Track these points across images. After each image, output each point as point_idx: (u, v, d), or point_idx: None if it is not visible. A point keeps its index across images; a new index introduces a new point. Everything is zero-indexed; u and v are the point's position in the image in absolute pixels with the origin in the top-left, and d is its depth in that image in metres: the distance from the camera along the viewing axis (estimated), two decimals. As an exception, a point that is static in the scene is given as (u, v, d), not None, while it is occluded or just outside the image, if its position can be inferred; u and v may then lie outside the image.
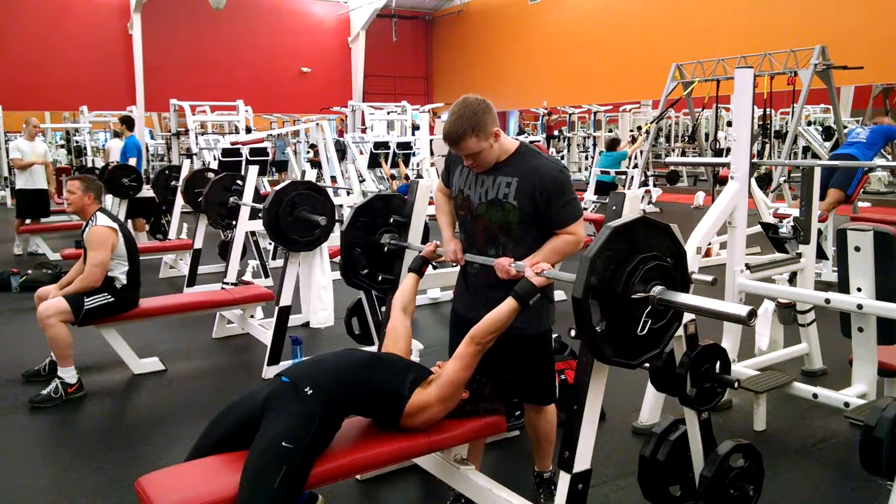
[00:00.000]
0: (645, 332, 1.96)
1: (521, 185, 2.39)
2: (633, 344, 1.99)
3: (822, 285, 5.55)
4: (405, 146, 9.78)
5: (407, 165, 9.42)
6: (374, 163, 9.68)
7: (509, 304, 2.24)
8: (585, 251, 1.89)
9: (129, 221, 8.48)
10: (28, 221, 8.46)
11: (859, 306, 3.12)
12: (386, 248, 3.04)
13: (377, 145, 9.67)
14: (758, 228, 5.34)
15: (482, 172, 2.47)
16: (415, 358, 3.53)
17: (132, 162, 8.69)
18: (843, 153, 6.85)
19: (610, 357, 1.97)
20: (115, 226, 4.14)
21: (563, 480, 2.16)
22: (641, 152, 12.03)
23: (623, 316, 1.93)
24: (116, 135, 11.95)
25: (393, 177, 9.47)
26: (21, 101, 16.78)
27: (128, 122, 9.23)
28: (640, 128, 11.94)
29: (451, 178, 2.65)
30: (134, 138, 9.08)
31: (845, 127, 10.10)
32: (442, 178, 2.76)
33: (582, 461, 2.15)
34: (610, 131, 17.15)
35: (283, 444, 2.08)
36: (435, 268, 3.08)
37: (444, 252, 2.63)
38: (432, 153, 9.24)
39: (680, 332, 2.28)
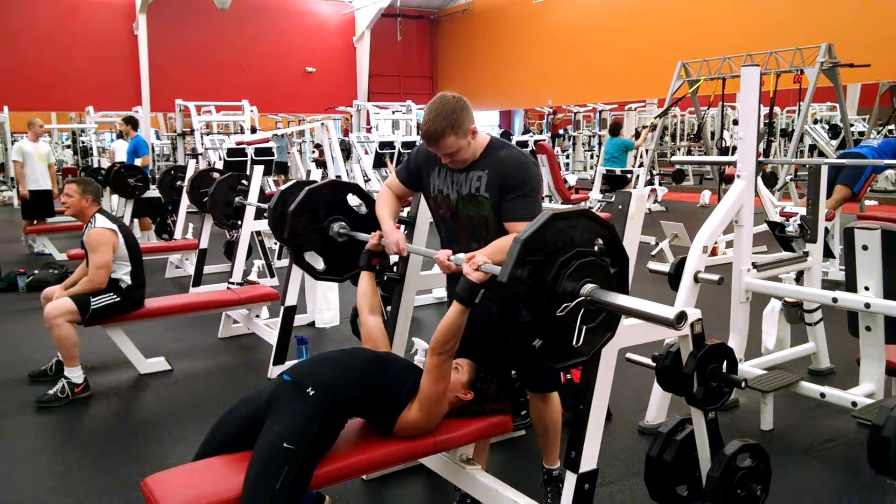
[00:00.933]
0: (576, 332, 1.83)
1: (491, 176, 2.41)
2: (563, 344, 1.85)
3: (829, 284, 5.52)
4: (410, 146, 9.78)
5: None
6: (379, 163, 9.69)
7: (454, 306, 2.15)
8: (518, 234, 1.78)
9: (135, 221, 8.53)
10: (35, 222, 8.50)
11: (867, 305, 3.11)
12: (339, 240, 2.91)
13: (382, 145, 9.68)
14: (764, 227, 5.32)
15: (457, 170, 2.48)
16: (420, 357, 3.53)
17: (138, 162, 8.70)
18: (853, 152, 6.86)
19: (558, 364, 1.87)
20: (115, 227, 4.14)
21: (570, 480, 2.15)
22: (647, 150, 12.01)
23: (551, 309, 1.80)
24: (121, 136, 11.99)
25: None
26: (27, 101, 16.84)
27: (132, 123, 9.27)
28: (646, 127, 11.90)
29: (422, 180, 2.65)
30: (140, 137, 9.11)
31: (852, 125, 10.06)
32: (398, 175, 2.74)
33: (588, 461, 2.14)
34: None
35: (285, 444, 2.08)
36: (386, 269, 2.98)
37: (387, 244, 2.60)
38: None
39: (686, 331, 2.28)
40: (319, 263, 3.02)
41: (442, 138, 2.33)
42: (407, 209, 3.15)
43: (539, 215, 1.81)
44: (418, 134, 11.72)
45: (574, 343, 1.83)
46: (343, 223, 2.92)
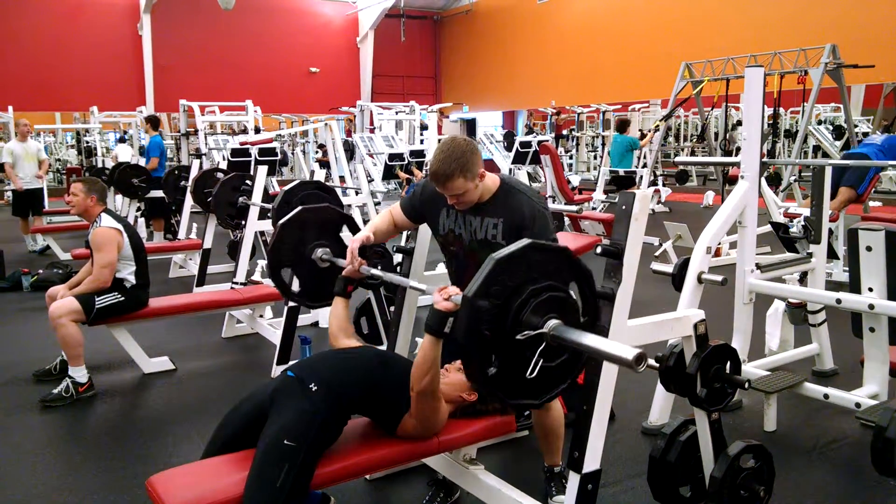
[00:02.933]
0: (535, 372, 1.78)
1: (507, 225, 2.46)
2: (518, 376, 1.80)
3: (832, 285, 5.52)
4: (418, 154, 9.82)
5: (421, 171, 9.43)
6: (388, 174, 9.72)
7: (426, 339, 2.13)
8: (465, 290, 1.74)
9: (143, 221, 8.57)
10: (32, 219, 8.56)
11: (871, 306, 3.11)
12: (323, 265, 2.89)
13: (392, 157, 9.72)
14: (768, 228, 5.31)
15: (468, 212, 2.53)
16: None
17: (153, 163, 8.69)
18: (856, 152, 6.84)
19: (508, 399, 1.84)
20: (120, 226, 4.15)
21: (573, 481, 2.15)
22: (651, 150, 12.01)
23: (511, 333, 1.75)
24: (123, 139, 11.99)
25: (409, 181, 9.48)
26: (31, 101, 16.89)
27: (153, 122, 9.24)
28: (651, 130, 11.91)
29: (427, 217, 2.71)
30: (158, 137, 9.10)
31: (856, 126, 10.04)
32: (402, 207, 2.76)
33: (592, 461, 2.14)
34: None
35: (286, 441, 2.09)
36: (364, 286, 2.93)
37: (350, 246, 2.61)
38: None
39: (690, 332, 2.28)
40: (295, 285, 3.00)
41: (450, 180, 2.37)
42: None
43: (518, 242, 1.79)
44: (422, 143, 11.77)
45: (528, 374, 1.78)
46: (327, 249, 2.90)
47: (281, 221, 2.88)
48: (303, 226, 2.90)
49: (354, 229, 3.06)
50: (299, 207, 2.94)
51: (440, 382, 2.29)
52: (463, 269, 2.64)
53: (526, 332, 1.75)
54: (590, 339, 1.72)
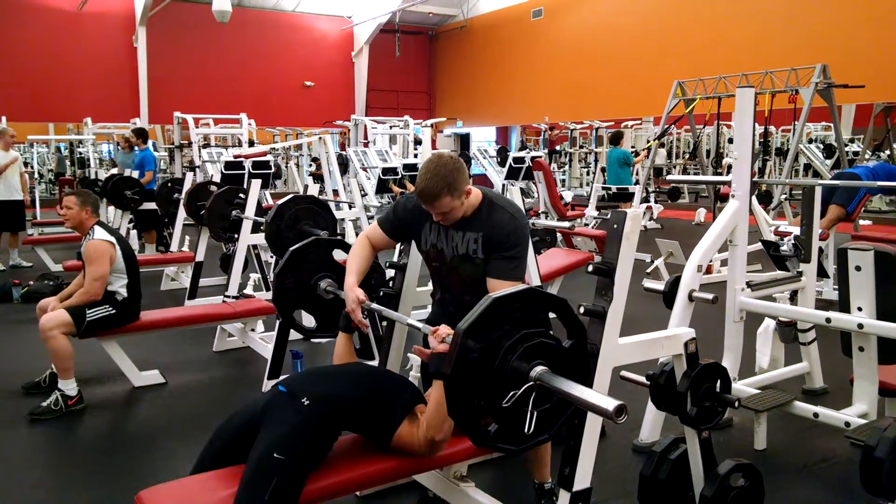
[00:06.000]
0: (528, 417, 1.81)
1: (486, 240, 2.47)
2: (519, 428, 1.82)
3: (822, 303, 5.55)
4: (412, 168, 9.86)
5: (414, 185, 9.47)
6: (382, 188, 9.75)
7: (437, 385, 2.16)
8: (459, 323, 1.76)
9: (135, 233, 8.51)
10: (19, 234, 8.39)
11: (860, 326, 3.13)
12: (328, 297, 2.87)
13: (385, 171, 9.75)
14: (759, 246, 5.34)
15: (452, 227, 2.54)
16: (416, 373, 3.53)
17: (149, 176, 8.65)
18: (847, 172, 6.94)
19: (518, 447, 1.86)
20: (113, 239, 4.14)
21: (564, 498, 2.15)
22: (644, 167, 12.09)
23: (500, 398, 1.78)
24: (114, 164, 11.89)
25: (402, 195, 9.51)
26: (26, 112, 16.84)
27: (142, 135, 9.17)
28: (645, 149, 12.02)
29: (409, 233, 2.72)
30: (149, 151, 9.04)
31: (846, 145, 10.13)
32: (381, 225, 2.73)
33: (582, 479, 2.15)
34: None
35: (275, 455, 2.09)
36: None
37: (346, 299, 2.57)
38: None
39: (681, 350, 2.29)
40: (310, 321, 3.01)
41: (437, 199, 2.38)
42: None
43: (483, 300, 1.79)
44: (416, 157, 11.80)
45: (527, 430, 1.81)
46: (331, 280, 2.88)
47: (276, 271, 2.89)
48: (298, 265, 2.89)
49: (346, 250, 3.04)
50: (289, 251, 2.90)
51: (431, 402, 2.31)
52: (446, 285, 2.67)
53: (512, 394, 1.77)
54: (573, 388, 1.74)
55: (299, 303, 2.93)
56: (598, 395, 1.71)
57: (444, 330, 2.11)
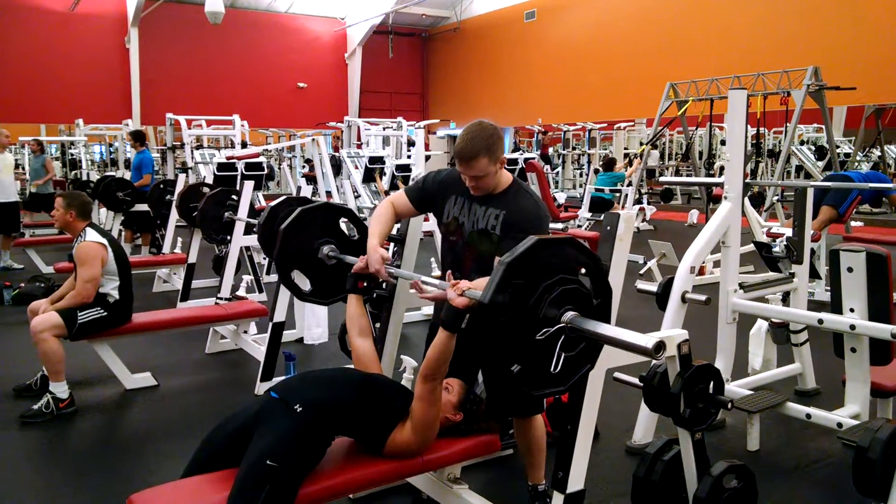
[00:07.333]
0: (555, 358, 1.81)
1: (507, 219, 2.50)
2: (542, 371, 1.82)
3: (815, 305, 5.57)
4: (404, 168, 9.83)
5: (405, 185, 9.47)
6: (368, 177, 9.74)
7: (441, 334, 2.15)
8: (503, 257, 1.79)
9: (123, 234, 8.47)
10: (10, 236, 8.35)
11: (852, 327, 3.14)
12: (330, 262, 2.92)
13: (372, 160, 9.73)
14: (751, 247, 5.36)
15: (476, 201, 2.56)
16: (409, 375, 3.52)
17: (146, 179, 8.62)
18: (839, 174, 7.00)
19: (534, 392, 1.84)
20: (105, 241, 4.12)
21: (557, 501, 2.15)
22: (637, 169, 12.12)
23: (531, 334, 1.78)
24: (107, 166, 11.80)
25: (388, 193, 9.51)
26: (17, 113, 16.78)
27: (139, 137, 9.13)
28: (637, 156, 12.06)
29: (435, 204, 2.73)
30: (147, 153, 9.01)
31: (838, 147, 10.18)
32: (408, 193, 2.77)
33: (576, 481, 2.15)
34: (605, 149, 17.27)
35: (268, 462, 2.08)
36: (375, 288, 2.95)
37: (369, 261, 2.58)
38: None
39: (674, 352, 2.29)
40: (306, 284, 3.02)
41: (475, 159, 2.41)
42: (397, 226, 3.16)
43: (525, 240, 1.81)
44: (411, 146, 11.78)
45: (553, 370, 1.81)
46: (333, 246, 2.93)
47: (282, 226, 2.89)
48: (305, 226, 2.92)
49: (356, 222, 3.11)
50: (298, 209, 2.95)
51: (410, 422, 2.31)
52: (458, 262, 2.66)
53: (545, 330, 1.78)
54: (608, 330, 1.76)
55: (298, 264, 2.95)
56: (634, 334, 1.71)
57: (465, 284, 2.09)
